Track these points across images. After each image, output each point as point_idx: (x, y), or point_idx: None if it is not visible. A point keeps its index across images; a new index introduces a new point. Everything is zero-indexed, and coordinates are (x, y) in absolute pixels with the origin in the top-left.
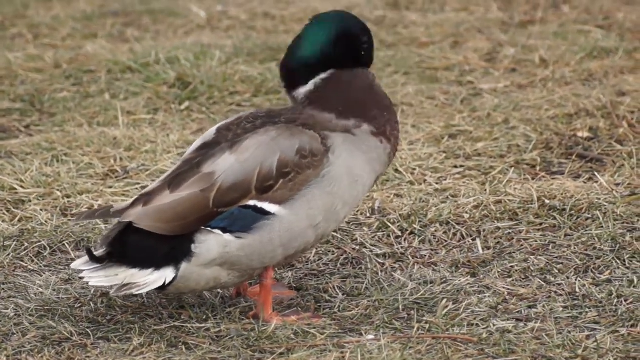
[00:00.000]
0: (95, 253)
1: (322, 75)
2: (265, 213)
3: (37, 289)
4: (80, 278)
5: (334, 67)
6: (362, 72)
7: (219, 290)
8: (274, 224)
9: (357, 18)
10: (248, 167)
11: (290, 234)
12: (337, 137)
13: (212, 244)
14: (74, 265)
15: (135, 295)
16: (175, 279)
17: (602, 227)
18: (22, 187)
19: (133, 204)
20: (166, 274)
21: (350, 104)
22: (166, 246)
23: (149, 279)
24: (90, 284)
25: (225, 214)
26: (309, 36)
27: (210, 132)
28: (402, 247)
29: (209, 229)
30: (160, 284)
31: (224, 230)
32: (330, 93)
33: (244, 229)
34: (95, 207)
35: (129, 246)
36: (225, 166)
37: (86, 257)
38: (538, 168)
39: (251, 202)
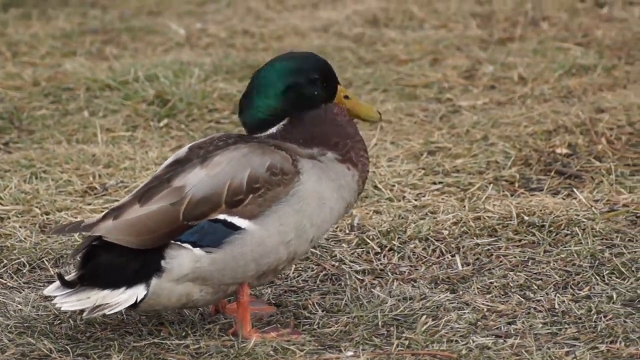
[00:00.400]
0: (66, 278)
1: (280, 124)
2: (235, 228)
3: (16, 306)
4: (53, 304)
5: (290, 114)
6: (317, 111)
7: (195, 308)
8: (245, 239)
9: (307, 59)
10: (218, 181)
11: (262, 249)
12: (307, 162)
13: (183, 259)
14: (46, 291)
15: (108, 315)
16: (147, 295)
17: (581, 243)
18: (1, 204)
19: (103, 218)
20: (137, 292)
21: (312, 136)
22: (137, 263)
23: (121, 298)
24: (62, 309)
25: (195, 227)
26: (259, 95)
27: (183, 151)
28: (381, 264)
29: (178, 243)
30: (131, 302)
31: (194, 245)
32: (292, 132)
33: (215, 243)
34: None
35: (100, 267)
36: (196, 180)
37: (58, 283)
38: (517, 184)
39: (221, 216)
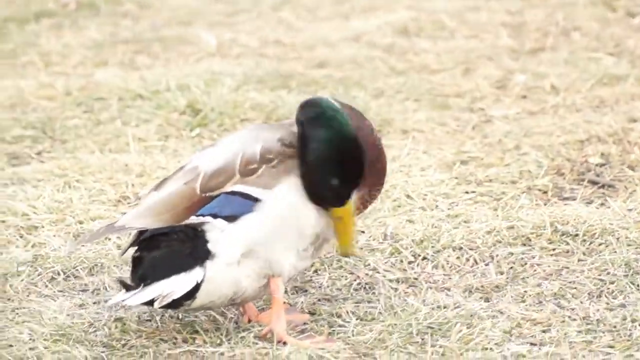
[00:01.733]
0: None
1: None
2: (252, 199)
3: (52, 314)
4: (123, 306)
5: None
6: None
7: (243, 303)
8: (264, 209)
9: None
10: (230, 154)
11: (286, 215)
12: None
13: (218, 235)
14: (111, 301)
15: (172, 305)
16: (204, 278)
17: (616, 252)
18: (34, 213)
19: (124, 214)
20: (196, 275)
21: None
22: (187, 251)
23: (183, 282)
24: (133, 304)
25: (214, 201)
26: None
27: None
28: (415, 272)
29: (208, 219)
30: (193, 284)
31: (215, 217)
32: None
33: (235, 214)
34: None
35: (154, 263)
36: (207, 158)
37: (122, 290)
38: (550, 194)
39: (237, 188)
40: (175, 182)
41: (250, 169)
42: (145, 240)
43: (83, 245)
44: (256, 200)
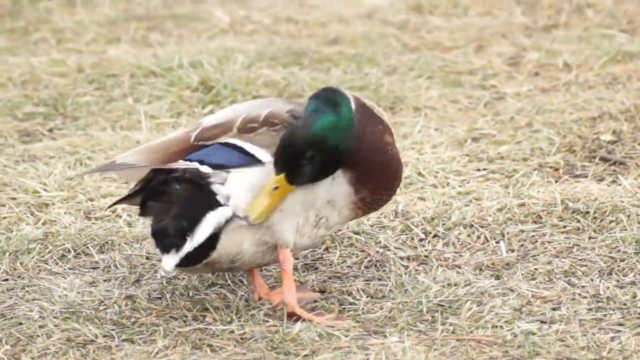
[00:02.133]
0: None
1: None
2: (246, 153)
3: (62, 292)
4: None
5: None
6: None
7: (244, 268)
8: (259, 168)
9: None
10: (235, 113)
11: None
12: None
13: (232, 185)
14: (168, 268)
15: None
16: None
17: (626, 229)
18: (45, 190)
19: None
20: (221, 214)
21: None
22: (199, 204)
23: (214, 215)
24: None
25: (204, 149)
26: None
27: None
28: (425, 250)
29: (195, 164)
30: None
31: (201, 163)
32: None
33: (225, 165)
34: (119, 210)
35: (179, 220)
36: (213, 117)
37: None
38: (561, 171)
39: (231, 140)
40: (177, 132)
41: (250, 127)
42: (155, 199)
43: (80, 177)
44: (250, 155)
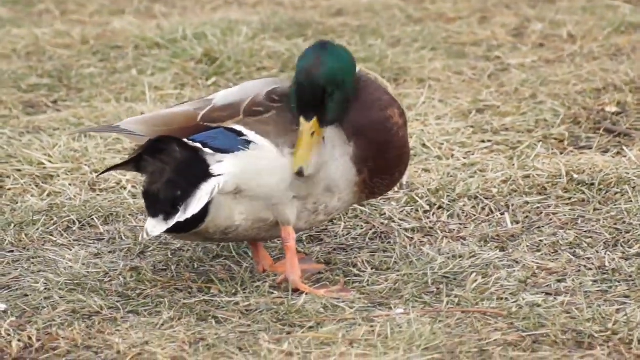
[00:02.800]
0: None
1: None
2: (249, 142)
3: (67, 263)
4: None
5: None
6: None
7: (237, 240)
8: (259, 153)
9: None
10: (244, 93)
11: (276, 166)
12: None
13: (225, 163)
14: (155, 232)
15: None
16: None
17: (631, 201)
18: (50, 162)
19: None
20: (212, 185)
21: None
22: (195, 173)
23: (207, 187)
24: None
25: (209, 132)
26: None
27: None
28: (430, 222)
29: (198, 145)
30: (215, 189)
31: (204, 145)
32: None
33: (227, 150)
34: (124, 181)
35: (174, 189)
36: (223, 94)
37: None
38: (566, 143)
39: (237, 127)
40: (187, 105)
41: (255, 111)
42: (151, 156)
43: (74, 135)
44: (253, 143)
